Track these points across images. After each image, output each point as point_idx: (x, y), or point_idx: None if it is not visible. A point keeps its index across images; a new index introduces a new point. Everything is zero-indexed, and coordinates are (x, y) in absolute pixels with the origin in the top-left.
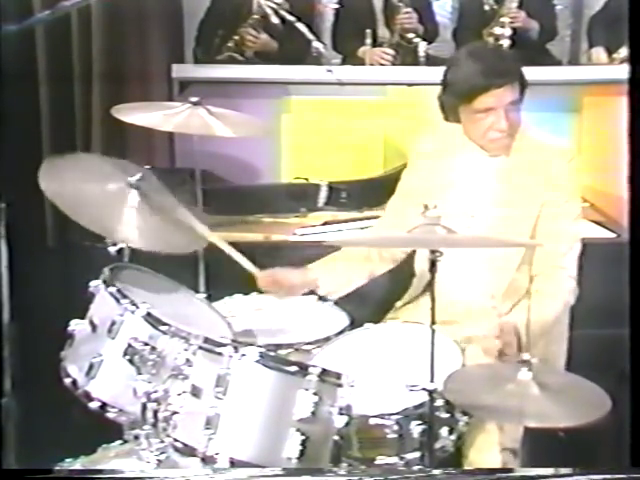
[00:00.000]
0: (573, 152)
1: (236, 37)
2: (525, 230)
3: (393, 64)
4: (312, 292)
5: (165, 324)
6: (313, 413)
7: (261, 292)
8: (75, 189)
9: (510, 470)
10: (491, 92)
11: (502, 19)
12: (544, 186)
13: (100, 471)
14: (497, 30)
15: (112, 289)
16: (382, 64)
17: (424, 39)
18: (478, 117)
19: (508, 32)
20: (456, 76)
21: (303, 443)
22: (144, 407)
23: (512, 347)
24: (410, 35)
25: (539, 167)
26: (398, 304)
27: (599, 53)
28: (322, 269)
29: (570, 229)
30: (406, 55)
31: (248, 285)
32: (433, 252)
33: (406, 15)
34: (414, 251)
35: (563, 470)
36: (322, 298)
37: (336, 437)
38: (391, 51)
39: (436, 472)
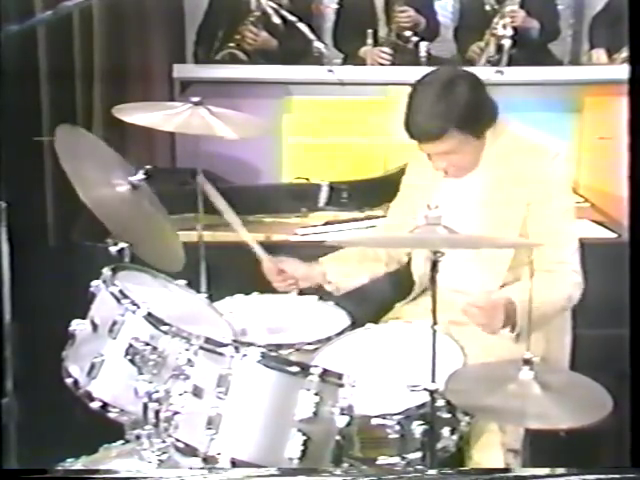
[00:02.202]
0: (558, 148)
1: (237, 36)
2: (513, 231)
3: (393, 63)
4: (319, 287)
5: (166, 324)
6: (314, 413)
7: (262, 292)
8: (79, 164)
9: (506, 470)
10: (420, 142)
11: (503, 20)
12: (529, 185)
13: (100, 471)
14: (499, 31)
15: (113, 289)
16: (381, 64)
17: (422, 38)
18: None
19: (509, 32)
20: (406, 112)
21: (304, 443)
22: (145, 407)
23: (498, 322)
24: (407, 33)
25: (523, 166)
26: (399, 305)
27: (600, 55)
28: (331, 264)
29: (563, 224)
30: (405, 54)
31: (249, 285)
32: (434, 252)
33: (402, 14)
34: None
35: (559, 470)
36: (323, 298)
37: (338, 437)
38: (388, 50)
39: (432, 472)
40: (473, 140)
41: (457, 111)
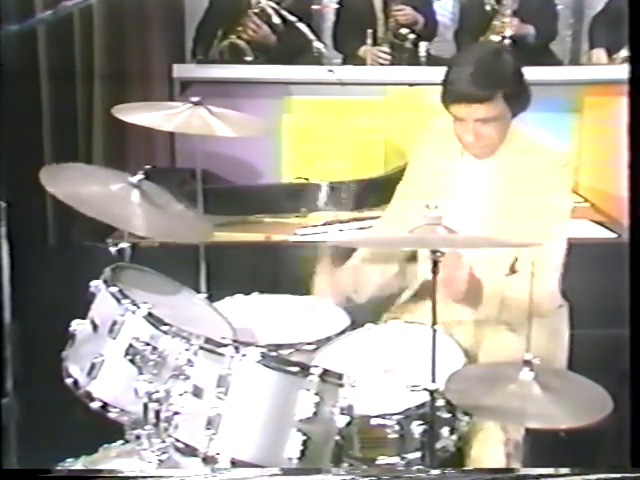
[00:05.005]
0: (570, 156)
1: (239, 27)
2: (517, 230)
3: (392, 63)
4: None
5: (166, 324)
6: (314, 413)
7: (262, 292)
8: (78, 189)
9: (510, 470)
10: (461, 104)
11: (498, 28)
12: (536, 188)
13: (100, 471)
14: (494, 38)
15: (113, 289)
16: (380, 63)
17: (419, 35)
18: (453, 120)
19: (506, 40)
20: (449, 73)
21: (304, 443)
22: (145, 407)
23: (459, 287)
24: (404, 31)
25: (533, 169)
26: (398, 301)
27: (600, 54)
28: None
29: (556, 230)
30: (403, 52)
31: (249, 285)
32: (434, 252)
33: (399, 12)
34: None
35: (563, 470)
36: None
37: (337, 437)
38: (387, 49)
39: (435, 472)
40: (508, 118)
41: (506, 77)
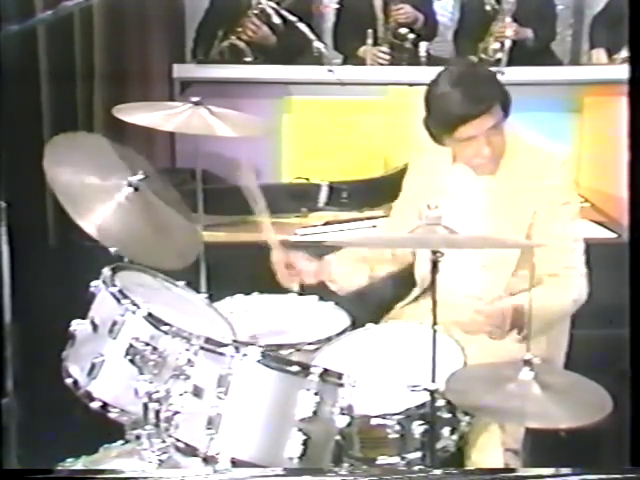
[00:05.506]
0: (565, 156)
1: (239, 28)
2: (518, 236)
3: (391, 63)
4: (323, 285)
5: (166, 324)
6: (315, 413)
7: (262, 292)
8: (74, 178)
9: (511, 470)
10: (470, 123)
11: (497, 32)
12: (536, 192)
13: (101, 471)
14: (494, 45)
15: (113, 289)
16: (380, 63)
17: (419, 35)
18: (461, 145)
19: (506, 45)
20: (435, 106)
21: (305, 443)
22: (146, 407)
23: (504, 329)
24: (403, 31)
25: (531, 173)
26: (399, 305)
27: (600, 54)
28: (337, 263)
29: (568, 230)
30: (403, 52)
31: (249, 285)
32: (434, 253)
33: (399, 11)
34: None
35: (563, 470)
36: (323, 298)
37: (338, 437)
38: (386, 49)
39: (436, 472)
40: (504, 122)
41: (496, 84)
